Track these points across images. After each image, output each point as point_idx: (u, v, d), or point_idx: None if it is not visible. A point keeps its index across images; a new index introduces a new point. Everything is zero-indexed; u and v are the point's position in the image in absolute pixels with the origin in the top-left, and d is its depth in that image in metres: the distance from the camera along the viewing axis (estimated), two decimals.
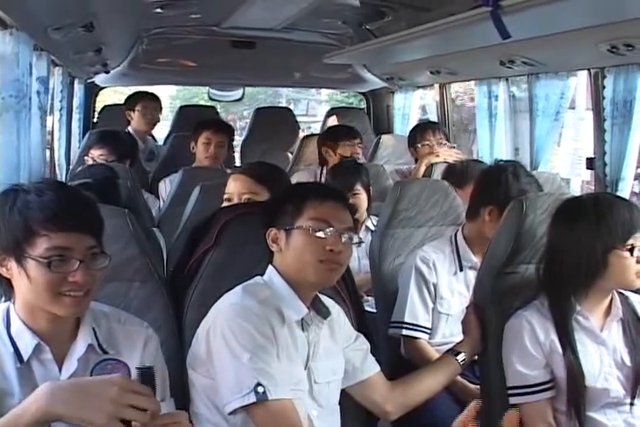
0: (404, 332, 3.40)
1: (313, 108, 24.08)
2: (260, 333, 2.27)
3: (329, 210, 2.41)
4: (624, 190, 4.12)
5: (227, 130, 5.40)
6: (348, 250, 2.43)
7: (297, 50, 6.69)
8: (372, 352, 2.67)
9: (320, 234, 2.37)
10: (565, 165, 11.40)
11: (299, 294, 2.42)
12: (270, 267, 2.47)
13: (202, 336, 2.35)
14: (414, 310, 3.38)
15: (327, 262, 2.38)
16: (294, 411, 2.26)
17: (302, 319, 2.42)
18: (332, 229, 2.38)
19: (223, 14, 5.68)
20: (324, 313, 2.49)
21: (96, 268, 1.95)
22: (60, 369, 1.99)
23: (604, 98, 4.21)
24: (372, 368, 2.62)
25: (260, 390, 2.20)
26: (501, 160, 3.80)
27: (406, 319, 3.40)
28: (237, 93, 8.01)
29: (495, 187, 3.32)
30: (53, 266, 1.89)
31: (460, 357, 2.74)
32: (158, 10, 5.14)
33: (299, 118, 8.48)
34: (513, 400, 2.60)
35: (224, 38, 6.54)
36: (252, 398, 2.21)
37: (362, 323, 2.80)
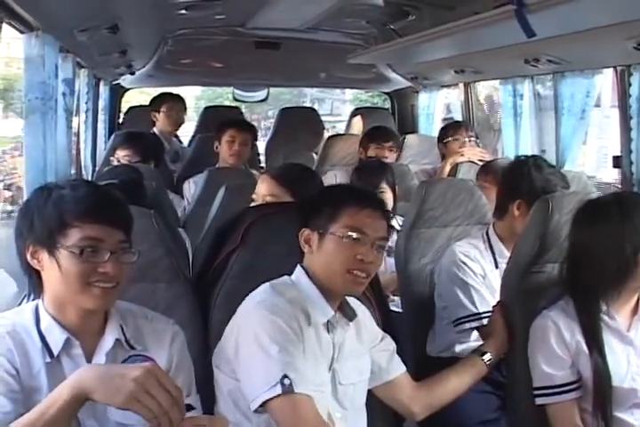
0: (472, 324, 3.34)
1: (337, 107, 24.06)
2: (290, 327, 2.27)
3: (366, 219, 2.39)
4: None
5: (250, 129, 5.44)
6: (378, 260, 2.42)
7: (321, 50, 6.70)
8: (397, 352, 2.66)
9: (353, 243, 2.36)
10: (591, 163, 11.34)
11: (326, 296, 2.41)
12: (299, 267, 2.46)
13: (230, 334, 2.35)
14: (473, 300, 3.34)
15: (355, 273, 2.37)
16: (316, 408, 2.23)
17: (328, 321, 2.42)
18: (366, 238, 2.37)
19: (247, 15, 5.70)
20: (350, 315, 2.49)
21: (125, 261, 2.01)
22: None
23: (630, 96, 4.18)
24: (398, 369, 2.62)
25: (287, 382, 2.18)
26: (523, 156, 3.79)
27: (462, 314, 3.33)
28: (262, 94, 8.03)
29: (519, 180, 3.31)
30: (85, 256, 1.95)
31: (486, 357, 2.74)
32: (182, 11, 5.16)
33: (323, 118, 8.48)
34: (539, 401, 2.60)
35: (248, 39, 6.57)
36: (279, 390, 2.18)
37: (388, 323, 2.79)
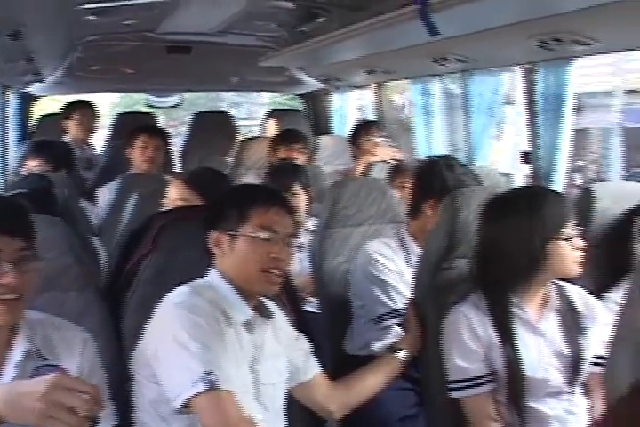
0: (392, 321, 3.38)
1: (255, 111, 24.08)
2: (210, 326, 2.25)
3: (274, 217, 2.40)
4: (558, 183, 4.18)
5: (162, 134, 5.44)
6: (290, 256, 2.44)
7: (233, 53, 6.70)
8: (315, 353, 2.67)
9: (265, 242, 2.37)
10: (507, 160, 11.53)
11: (242, 296, 2.40)
12: (212, 270, 2.45)
13: (148, 338, 2.32)
14: (392, 297, 3.36)
15: (270, 272, 2.38)
16: (240, 405, 2.21)
17: (248, 322, 2.41)
18: (277, 236, 2.38)
19: (157, 20, 5.67)
20: (267, 314, 2.48)
21: (28, 270, 1.95)
22: None
23: (536, 93, 4.27)
24: (313, 368, 2.62)
25: (212, 377, 2.14)
26: (435, 155, 3.84)
27: (382, 311, 3.37)
28: (175, 99, 7.99)
29: (432, 180, 3.35)
30: None
31: (401, 354, 2.76)
32: (91, 17, 5.10)
33: (241, 122, 8.48)
34: (454, 394, 2.62)
35: (159, 44, 6.53)
36: (202, 387, 2.14)
37: (302, 323, 2.79)
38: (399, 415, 3.29)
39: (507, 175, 5.24)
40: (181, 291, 2.36)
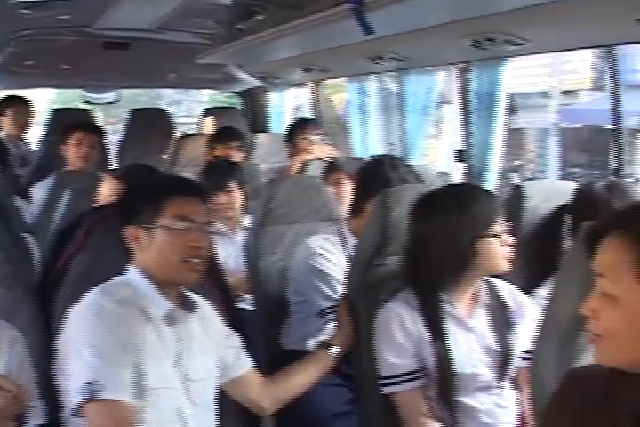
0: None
1: (195, 108, 23.98)
2: (111, 333, 2.23)
3: (190, 206, 2.40)
4: (491, 181, 4.23)
5: (97, 131, 5.40)
6: (208, 243, 2.44)
7: (170, 50, 6.68)
8: (249, 350, 2.67)
9: (184, 232, 2.36)
10: (445, 159, 11.64)
11: (161, 289, 2.39)
12: (131, 266, 2.43)
13: (60, 339, 2.31)
14: (336, 290, 3.37)
15: (191, 261, 2.37)
16: (129, 415, 2.20)
17: (168, 315, 2.39)
18: (194, 225, 2.38)
19: (94, 15, 5.63)
20: (190, 307, 2.47)
21: None
22: None
23: (469, 91, 4.31)
24: (245, 365, 2.62)
25: (95, 387, 2.14)
26: (378, 155, 3.86)
27: (326, 305, 3.38)
28: (112, 96, 7.91)
29: (375, 179, 3.35)
30: None
31: (332, 350, 2.78)
32: (24, 11, 5.05)
33: (181, 120, 8.43)
34: (386, 390, 2.64)
35: (96, 39, 6.50)
36: (86, 396, 2.14)
37: (236, 321, 2.79)
38: (333, 412, 3.29)
39: (445, 174, 5.28)
40: (93, 291, 2.34)
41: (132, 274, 2.41)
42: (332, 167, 4.39)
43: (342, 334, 2.83)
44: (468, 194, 2.62)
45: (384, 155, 3.72)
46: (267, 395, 2.64)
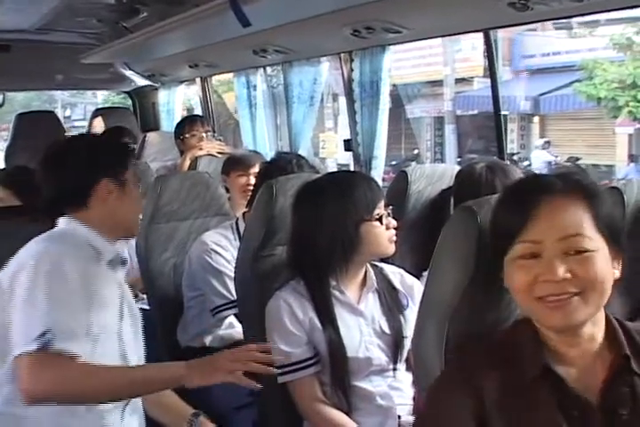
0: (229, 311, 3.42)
1: (90, 111, 23.66)
2: (69, 280, 2.19)
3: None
4: (377, 168, 4.28)
5: None
6: None
7: (55, 51, 6.56)
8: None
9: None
10: (340, 151, 11.72)
11: (106, 238, 2.42)
12: (67, 219, 2.41)
13: (7, 271, 2.26)
14: (228, 288, 3.38)
15: None
16: (75, 367, 2.13)
17: (112, 260, 2.41)
18: None
19: None
20: (122, 260, 2.49)
21: None
22: None
23: (353, 81, 4.35)
24: None
25: (48, 337, 2.08)
26: (283, 152, 3.87)
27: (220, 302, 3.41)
28: None
29: (277, 175, 3.36)
30: None
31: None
32: None
33: (77, 123, 8.33)
34: (280, 379, 2.63)
35: None
36: (34, 346, 2.07)
37: None
38: (235, 404, 3.30)
39: (344, 166, 5.33)
40: (38, 240, 2.31)
41: (73, 225, 2.40)
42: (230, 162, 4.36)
43: None
44: (348, 180, 2.64)
45: (290, 153, 3.73)
46: None
